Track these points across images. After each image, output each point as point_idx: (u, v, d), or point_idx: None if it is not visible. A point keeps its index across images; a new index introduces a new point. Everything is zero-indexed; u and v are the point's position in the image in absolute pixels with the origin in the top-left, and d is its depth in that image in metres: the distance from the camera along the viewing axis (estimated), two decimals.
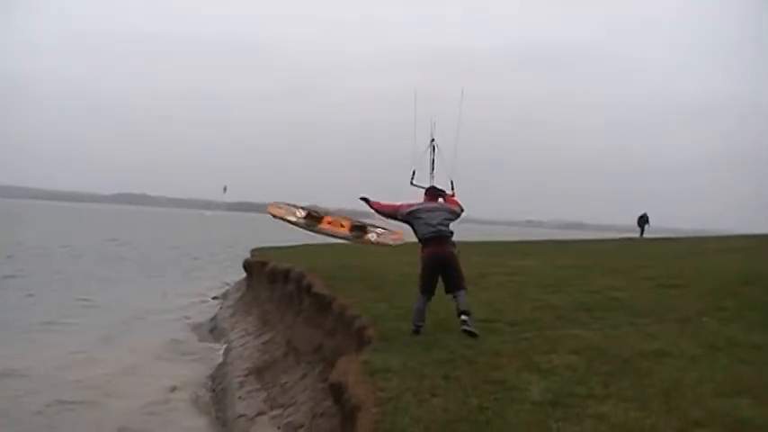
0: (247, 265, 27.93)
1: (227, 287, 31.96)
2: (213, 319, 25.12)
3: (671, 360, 7.79)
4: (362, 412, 6.51)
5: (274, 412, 12.50)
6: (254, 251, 29.32)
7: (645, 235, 43.61)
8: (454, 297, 9.65)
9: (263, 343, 17.87)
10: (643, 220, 44.39)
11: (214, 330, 22.99)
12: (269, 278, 21.96)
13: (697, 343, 8.61)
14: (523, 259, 20.79)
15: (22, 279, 33.31)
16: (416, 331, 9.68)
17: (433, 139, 10.35)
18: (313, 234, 13.42)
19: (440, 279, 9.81)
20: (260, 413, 12.78)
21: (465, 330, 9.28)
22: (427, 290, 9.75)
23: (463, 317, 9.45)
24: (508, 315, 10.57)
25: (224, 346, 19.70)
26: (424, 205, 9.95)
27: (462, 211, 10.04)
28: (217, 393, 15.22)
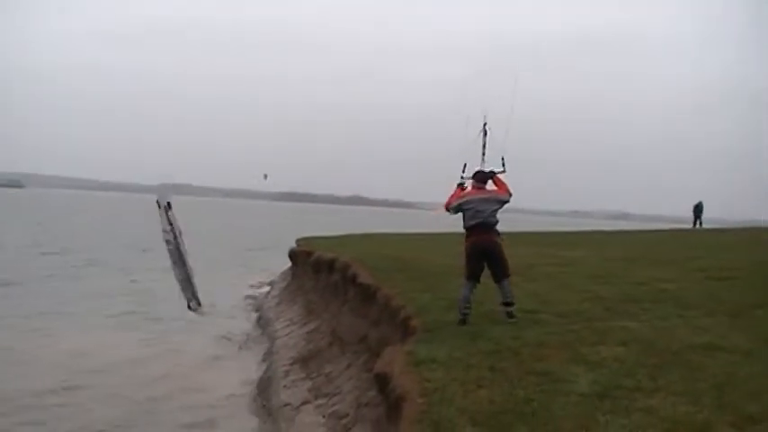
0: (293, 255, 28.11)
1: (273, 277, 32.17)
2: (259, 308, 25.36)
3: (722, 354, 7.61)
4: (408, 402, 6.50)
5: (319, 401, 12.56)
6: (299, 241, 29.49)
7: (703, 225, 41.60)
8: (499, 286, 9.78)
9: (307, 332, 17.97)
10: (698, 209, 42.07)
11: (260, 320, 23.21)
12: (314, 268, 22.08)
13: (749, 336, 8.40)
14: (571, 250, 20.58)
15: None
16: (463, 320, 9.73)
17: (485, 123, 10.33)
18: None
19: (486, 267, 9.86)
20: (305, 402, 12.86)
21: (510, 320, 9.57)
22: (472, 277, 9.82)
23: (508, 309, 9.68)
24: (555, 306, 10.46)
25: (269, 336, 19.88)
26: (472, 196, 9.91)
27: (510, 196, 9.98)
28: (262, 382, 15.36)
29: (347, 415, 11.00)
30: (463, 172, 10.28)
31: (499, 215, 9.90)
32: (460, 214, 9.98)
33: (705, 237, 28.87)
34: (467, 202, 9.85)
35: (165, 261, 23.65)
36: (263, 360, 17.27)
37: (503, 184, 10.03)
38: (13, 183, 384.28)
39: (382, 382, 7.87)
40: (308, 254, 23.89)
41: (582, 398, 6.22)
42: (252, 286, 31.02)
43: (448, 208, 10.10)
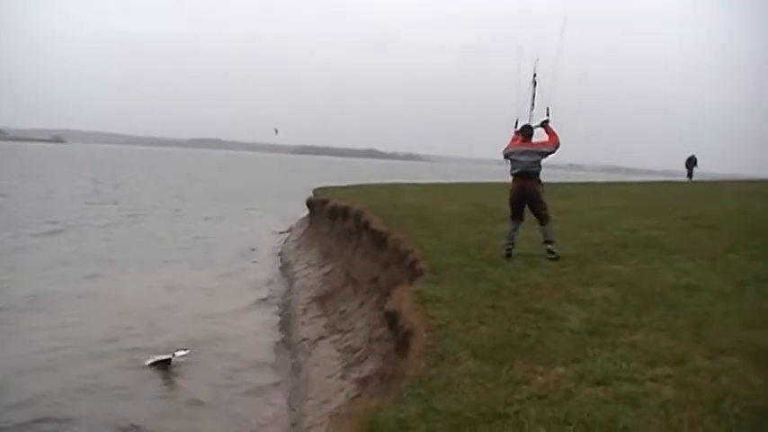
0: (310, 203, 28.18)
1: (293, 223, 32.34)
2: (280, 252, 25.57)
3: (701, 294, 7.73)
4: (415, 337, 6.62)
5: (334, 337, 12.75)
6: (316, 190, 29.55)
7: (693, 178, 40.13)
8: (540, 228, 10.38)
9: (324, 274, 18.13)
10: (691, 162, 40.83)
11: (281, 262, 23.42)
12: (330, 215, 22.15)
13: (726, 279, 8.50)
14: (566, 200, 20.56)
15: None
16: (508, 253, 10.29)
17: (535, 74, 10.44)
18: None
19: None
20: (321, 337, 13.05)
21: (550, 257, 10.09)
22: (514, 217, 10.43)
23: (548, 246, 10.23)
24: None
25: (289, 277, 20.09)
26: (518, 147, 10.26)
27: (557, 146, 10.18)
28: (283, 319, 15.58)
29: (360, 349, 11.16)
30: (516, 126, 10.51)
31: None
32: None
33: (693, 189, 28.72)
34: (511, 153, 10.29)
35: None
36: (284, 299, 17.47)
37: (553, 134, 10.25)
38: (56, 138, 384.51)
39: (392, 319, 8.01)
40: (325, 202, 23.96)
41: (573, 334, 6.35)
42: (275, 233, 31.21)
43: (504, 155, 10.51)
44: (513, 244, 10.37)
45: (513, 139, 10.43)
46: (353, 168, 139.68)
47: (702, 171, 43.37)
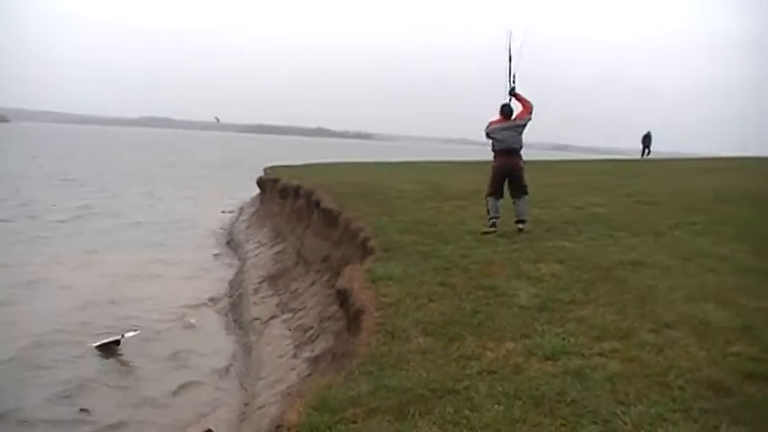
0: (260, 182, 27.95)
1: (243, 202, 32.03)
2: (230, 231, 25.32)
3: (646, 269, 7.89)
4: (366, 315, 6.61)
5: (286, 316, 12.70)
6: (266, 169, 29.29)
7: (648, 156, 39.00)
8: (515, 203, 10.62)
9: (275, 253, 18.03)
10: (648, 139, 39.69)
11: (231, 242, 23.22)
12: (281, 194, 22.02)
13: (670, 254, 8.70)
14: None
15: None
16: (493, 224, 10.53)
17: (510, 49, 10.53)
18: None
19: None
20: (273, 317, 12.99)
21: (520, 232, 10.44)
22: (495, 192, 10.63)
23: (519, 225, 10.51)
24: (500, 228, 10.60)
25: (240, 257, 19.94)
26: (498, 125, 10.40)
27: (531, 114, 10.38)
28: (234, 299, 15.46)
29: (311, 328, 11.14)
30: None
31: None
32: None
33: (638, 166, 29.17)
34: (492, 131, 10.45)
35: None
36: (234, 279, 17.33)
37: (525, 102, 10.39)
38: None
39: (343, 297, 7.98)
40: (275, 181, 23.79)
41: (523, 310, 6.40)
42: (223, 212, 30.84)
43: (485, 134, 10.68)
44: (498, 217, 10.64)
45: (495, 120, 10.52)
46: (304, 148, 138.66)
47: (659, 150, 43.04)
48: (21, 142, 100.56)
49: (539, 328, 5.84)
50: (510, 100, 10.37)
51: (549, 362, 5.08)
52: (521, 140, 10.44)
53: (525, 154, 10.71)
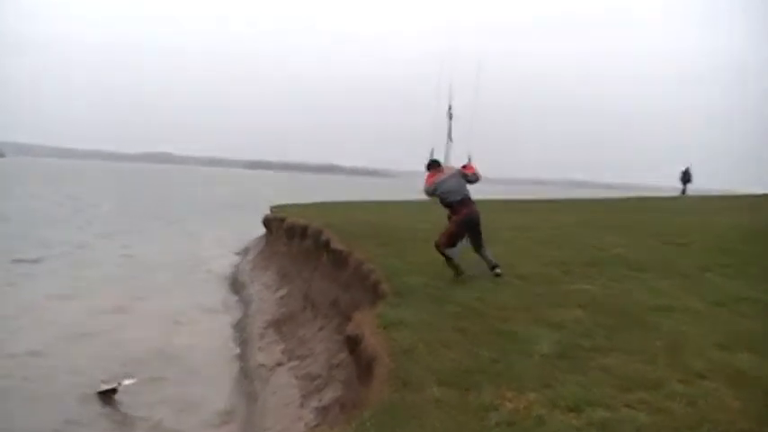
0: (266, 222, 28.01)
1: (248, 242, 32.07)
2: (234, 272, 25.32)
3: (674, 314, 7.79)
4: (377, 363, 6.55)
5: (292, 363, 12.62)
6: (273, 208, 29.35)
7: (688, 192, 37.76)
8: (480, 253, 10.33)
9: (281, 297, 17.99)
10: (686, 176, 38.26)
11: (234, 283, 23.19)
12: (287, 234, 22.03)
13: (700, 298, 8.60)
14: (529, 216, 20.74)
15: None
16: (458, 267, 10.20)
17: (450, 107, 10.46)
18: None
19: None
20: (279, 363, 12.91)
21: (497, 277, 10.11)
22: (454, 244, 10.18)
23: (497, 270, 10.18)
24: (517, 269, 10.55)
25: (244, 300, 19.89)
26: (441, 177, 10.22)
27: (479, 178, 10.30)
28: (238, 344, 15.39)
29: (319, 376, 11.06)
30: (431, 156, 10.55)
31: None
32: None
33: (658, 204, 29.09)
34: (438, 185, 10.18)
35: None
36: (239, 323, 17.28)
37: (472, 167, 10.36)
38: None
39: (353, 343, 7.92)
40: (282, 220, 23.82)
41: (543, 357, 6.33)
42: (230, 253, 30.88)
43: (426, 192, 10.42)
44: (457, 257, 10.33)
45: (429, 176, 10.37)
46: (312, 185, 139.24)
47: (700, 186, 42.23)
48: (25, 181, 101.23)
49: (560, 377, 5.76)
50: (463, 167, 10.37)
51: (573, 413, 5.01)
52: (467, 188, 10.24)
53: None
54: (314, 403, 10.03)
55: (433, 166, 10.39)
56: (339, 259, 14.10)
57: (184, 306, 19.42)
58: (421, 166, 10.51)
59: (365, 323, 7.96)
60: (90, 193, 76.89)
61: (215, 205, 65.66)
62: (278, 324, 15.49)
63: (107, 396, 11.69)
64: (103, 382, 12.02)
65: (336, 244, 14.91)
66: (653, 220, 18.51)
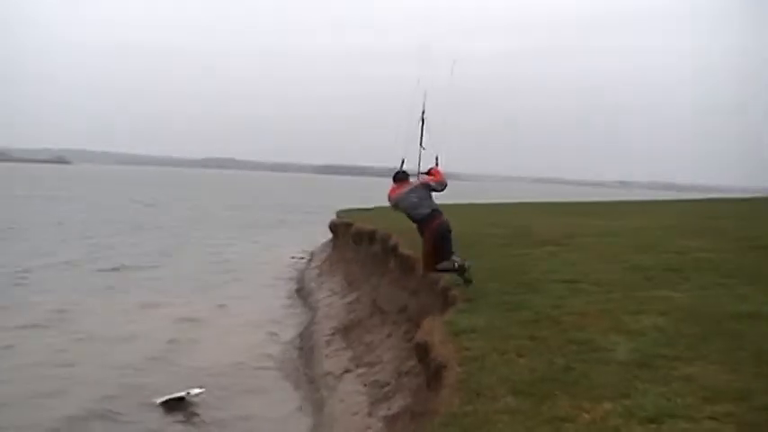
0: (333, 227, 28.26)
1: (314, 247, 32.42)
2: (301, 279, 25.61)
3: (761, 322, 7.55)
4: (448, 371, 6.56)
5: (360, 370, 12.68)
6: (339, 213, 29.61)
7: None
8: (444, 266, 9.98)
9: (348, 303, 18.11)
10: None
11: (301, 290, 23.46)
12: (354, 239, 22.17)
13: None
14: (612, 220, 20.40)
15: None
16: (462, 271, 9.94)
17: (423, 111, 10.46)
18: None
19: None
20: (346, 371, 13.00)
21: (467, 282, 9.93)
22: (437, 261, 9.91)
23: (466, 275, 9.91)
24: (594, 275, 10.41)
25: (311, 306, 20.10)
26: (401, 193, 10.00)
27: (444, 185, 10.05)
28: (305, 352, 15.56)
29: (388, 383, 11.09)
30: (402, 166, 10.38)
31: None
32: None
33: (746, 206, 28.26)
34: (401, 200, 9.98)
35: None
36: (305, 330, 17.46)
37: (438, 173, 10.09)
38: (59, 159, 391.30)
39: (422, 351, 7.95)
40: (348, 226, 24.00)
41: (621, 366, 6.23)
42: (293, 257, 31.31)
43: (391, 205, 10.26)
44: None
45: (392, 189, 10.18)
46: (379, 188, 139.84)
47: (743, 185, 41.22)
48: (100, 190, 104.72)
49: (640, 387, 5.67)
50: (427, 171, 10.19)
51: (653, 425, 4.92)
52: (433, 199, 9.96)
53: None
54: (382, 412, 10.06)
55: (399, 178, 10.15)
56: (407, 264, 14.14)
57: (248, 312, 19.80)
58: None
59: (435, 330, 7.98)
60: (203, 198, 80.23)
61: (277, 210, 66.83)
62: (345, 331, 15.61)
63: (174, 405, 11.93)
64: (168, 390, 12.30)
65: (405, 249, 14.94)
66: (739, 224, 18.01)
